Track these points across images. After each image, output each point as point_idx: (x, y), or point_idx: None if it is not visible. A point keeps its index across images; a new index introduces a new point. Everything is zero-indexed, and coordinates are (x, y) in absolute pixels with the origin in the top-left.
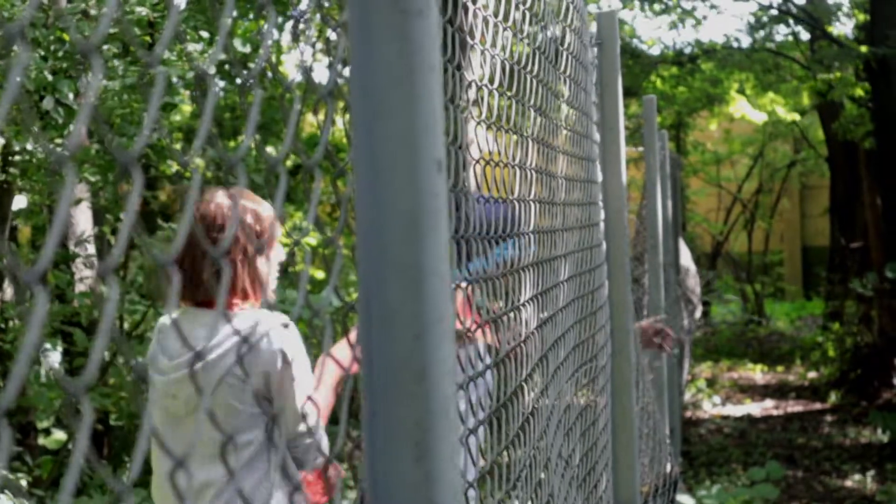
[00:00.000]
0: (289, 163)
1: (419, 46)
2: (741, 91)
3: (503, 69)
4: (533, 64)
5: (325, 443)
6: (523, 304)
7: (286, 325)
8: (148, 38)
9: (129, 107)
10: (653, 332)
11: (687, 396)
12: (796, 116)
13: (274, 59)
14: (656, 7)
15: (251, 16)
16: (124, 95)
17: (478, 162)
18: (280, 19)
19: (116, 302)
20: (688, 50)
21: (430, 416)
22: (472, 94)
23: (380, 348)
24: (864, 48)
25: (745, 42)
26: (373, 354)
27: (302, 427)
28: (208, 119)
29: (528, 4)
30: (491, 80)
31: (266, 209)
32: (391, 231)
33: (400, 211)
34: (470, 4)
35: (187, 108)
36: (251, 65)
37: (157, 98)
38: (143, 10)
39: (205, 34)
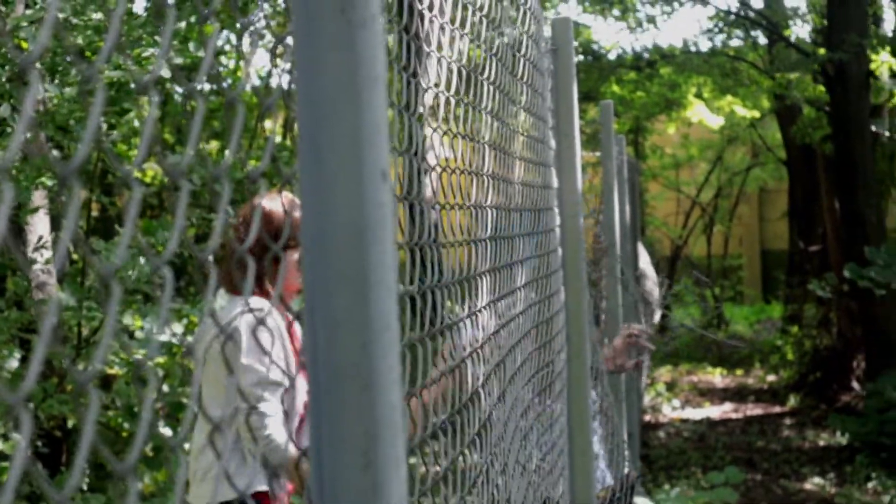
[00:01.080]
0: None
1: (364, 57)
2: (699, 95)
3: (460, 76)
4: (490, 70)
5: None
6: (479, 310)
7: (257, 316)
8: (103, 44)
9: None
10: (625, 347)
11: (646, 400)
12: (756, 114)
13: (234, 64)
14: (615, 12)
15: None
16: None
17: (433, 169)
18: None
19: (59, 310)
20: (646, 55)
21: (376, 425)
22: (428, 100)
23: (326, 357)
24: (821, 52)
25: (704, 46)
26: (319, 363)
27: (255, 419)
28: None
29: (484, 11)
30: (448, 87)
31: (280, 208)
32: (336, 241)
33: (345, 221)
34: (426, 12)
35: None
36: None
37: (98, 109)
38: (98, 16)
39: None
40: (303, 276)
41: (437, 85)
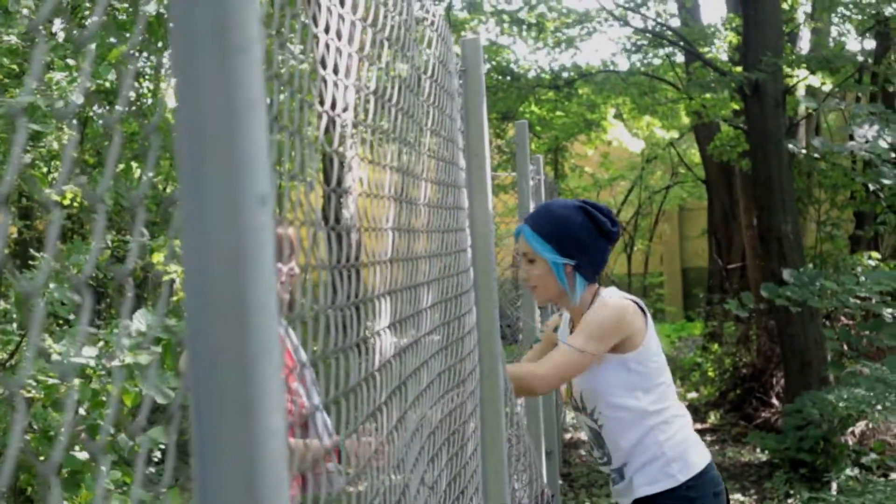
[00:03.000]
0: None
1: (241, 82)
2: (618, 115)
3: (363, 100)
4: (394, 94)
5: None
6: (378, 333)
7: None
8: (16, 67)
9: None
10: None
11: (568, 418)
12: (675, 134)
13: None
14: (533, 32)
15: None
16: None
17: (334, 191)
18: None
19: None
20: (565, 74)
21: (256, 449)
22: (323, 124)
23: (206, 381)
24: (737, 70)
25: (623, 66)
26: (200, 387)
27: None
28: (69, 155)
29: (386, 33)
30: (345, 111)
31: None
32: (215, 266)
33: (223, 246)
34: (322, 35)
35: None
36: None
37: (21, 140)
38: (12, 39)
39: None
40: (184, 300)
41: (333, 107)
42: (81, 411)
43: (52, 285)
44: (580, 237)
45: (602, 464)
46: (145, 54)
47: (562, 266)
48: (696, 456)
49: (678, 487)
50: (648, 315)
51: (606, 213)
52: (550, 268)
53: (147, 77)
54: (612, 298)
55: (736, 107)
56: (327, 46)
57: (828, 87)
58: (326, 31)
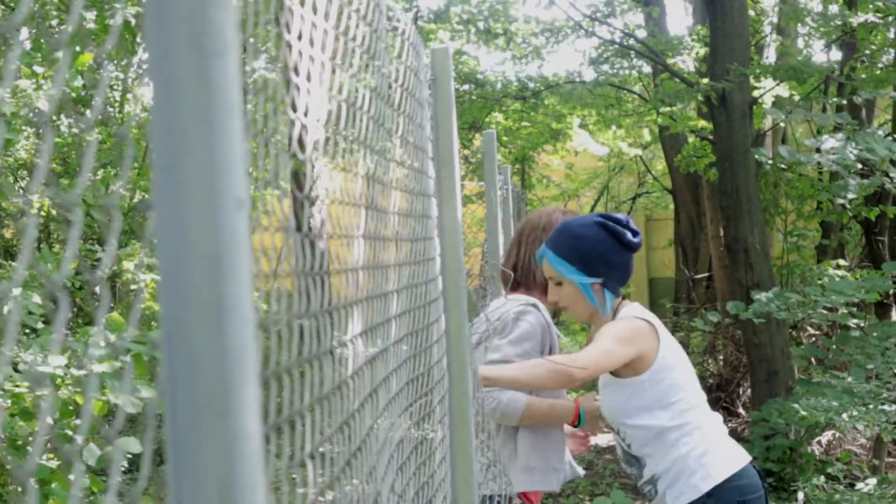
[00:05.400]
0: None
1: (218, 86)
2: (584, 125)
3: (334, 108)
4: (365, 102)
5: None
6: (350, 341)
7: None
8: None
9: None
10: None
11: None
12: (639, 151)
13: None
14: (499, 42)
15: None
16: None
17: (306, 198)
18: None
19: None
20: (531, 85)
21: (233, 454)
22: (295, 131)
23: (183, 386)
24: (704, 81)
25: (588, 77)
26: (177, 392)
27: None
28: (44, 162)
29: (358, 41)
30: (317, 119)
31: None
32: (192, 270)
33: (200, 249)
34: (295, 42)
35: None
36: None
37: None
38: None
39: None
40: (159, 305)
41: (305, 115)
42: (49, 420)
43: (17, 292)
44: (603, 254)
45: (636, 479)
46: (115, 63)
47: (589, 286)
48: (719, 465)
49: (699, 498)
50: (661, 332)
51: (625, 225)
52: (579, 289)
53: (115, 87)
54: (628, 316)
55: (704, 124)
56: (300, 53)
57: (795, 98)
58: (299, 38)
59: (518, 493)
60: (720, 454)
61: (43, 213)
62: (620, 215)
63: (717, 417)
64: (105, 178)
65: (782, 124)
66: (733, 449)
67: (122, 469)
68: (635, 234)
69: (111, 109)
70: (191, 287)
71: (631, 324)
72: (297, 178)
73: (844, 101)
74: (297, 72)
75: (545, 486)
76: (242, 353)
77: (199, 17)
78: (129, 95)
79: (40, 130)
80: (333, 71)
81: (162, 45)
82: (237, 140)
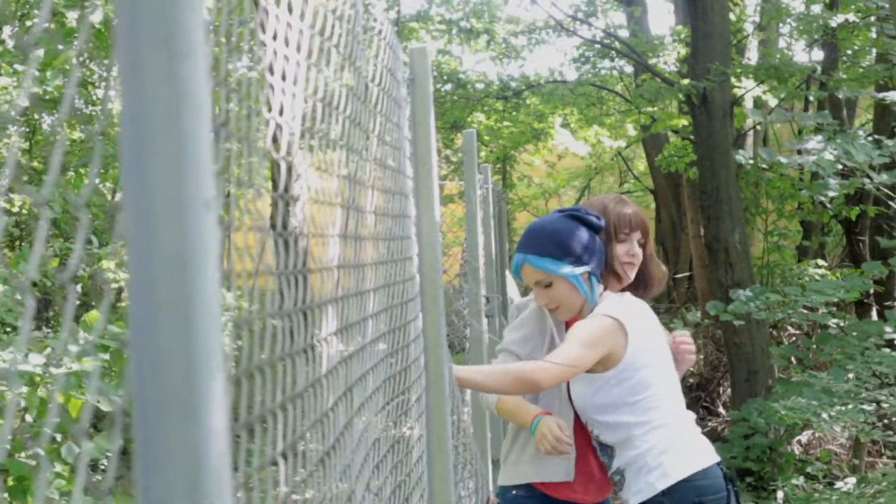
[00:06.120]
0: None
1: (187, 87)
2: (566, 125)
3: (310, 107)
4: (342, 102)
5: None
6: (324, 340)
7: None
8: None
9: None
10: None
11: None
12: (621, 143)
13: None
14: (480, 41)
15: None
16: None
17: (283, 197)
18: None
19: None
20: (513, 84)
21: (200, 451)
22: (270, 131)
23: (151, 385)
24: (685, 81)
25: (570, 76)
26: (145, 390)
27: None
28: (12, 159)
29: (334, 41)
30: (292, 118)
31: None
32: (160, 270)
33: (167, 250)
34: (270, 42)
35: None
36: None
37: None
38: None
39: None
40: (128, 305)
41: (280, 114)
42: (29, 418)
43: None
44: (584, 242)
45: (607, 467)
46: (96, 62)
47: (579, 276)
48: (677, 464)
49: (655, 496)
50: (633, 329)
51: (587, 212)
52: (570, 283)
53: (94, 84)
54: (598, 315)
55: (685, 122)
56: (275, 53)
57: (775, 98)
58: (274, 38)
59: (531, 483)
60: (680, 453)
61: (24, 212)
62: (578, 206)
63: (689, 416)
64: (79, 177)
65: (759, 127)
66: (697, 449)
67: (103, 468)
68: (598, 217)
69: (94, 108)
70: (159, 287)
71: (599, 323)
72: (275, 177)
73: (825, 98)
74: (272, 71)
75: (556, 475)
76: (210, 352)
77: (168, 19)
78: (111, 93)
79: (17, 128)
80: (309, 70)
81: (131, 46)
82: (206, 141)
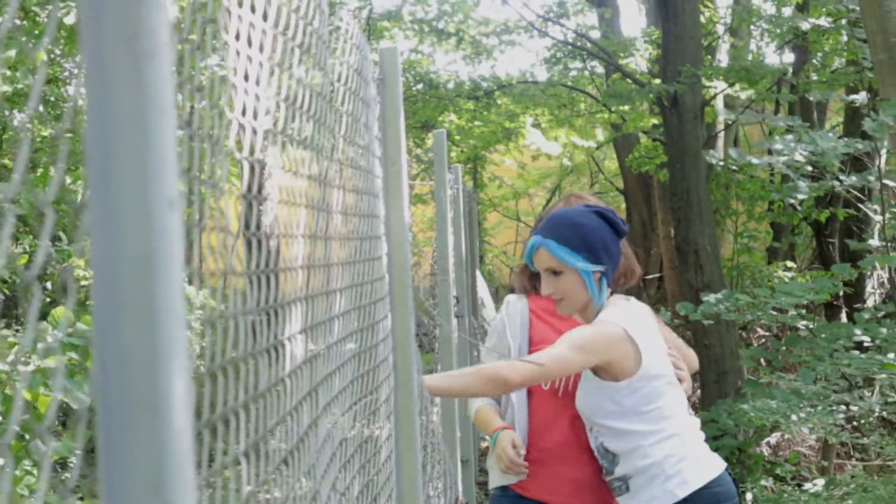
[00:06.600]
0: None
1: (151, 88)
2: (536, 124)
3: (275, 107)
4: (307, 101)
5: None
6: (289, 339)
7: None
8: None
9: None
10: None
11: None
12: (592, 144)
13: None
14: (451, 42)
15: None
16: None
17: (249, 197)
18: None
19: None
20: (484, 84)
21: (164, 451)
22: (233, 131)
23: (114, 383)
24: (656, 82)
25: (542, 77)
26: (108, 389)
27: None
28: None
29: (298, 41)
30: (255, 117)
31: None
32: (124, 269)
33: (132, 249)
34: (233, 42)
35: None
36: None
37: None
38: None
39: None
40: (92, 303)
41: (243, 114)
42: None
43: None
44: (606, 242)
45: (606, 473)
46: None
47: (591, 273)
48: (696, 472)
49: (675, 503)
50: (641, 338)
51: (615, 214)
52: (581, 277)
53: (66, 81)
54: (605, 321)
55: (655, 121)
56: (238, 53)
57: (747, 97)
58: (237, 38)
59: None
60: (697, 461)
61: None
62: (605, 205)
63: (696, 423)
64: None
65: (732, 125)
66: (709, 456)
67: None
68: (623, 223)
69: (65, 105)
70: (123, 285)
71: (603, 330)
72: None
73: (796, 100)
74: (235, 72)
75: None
76: (173, 351)
77: (132, 18)
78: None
79: None
80: (272, 72)
81: (95, 45)
82: (170, 140)
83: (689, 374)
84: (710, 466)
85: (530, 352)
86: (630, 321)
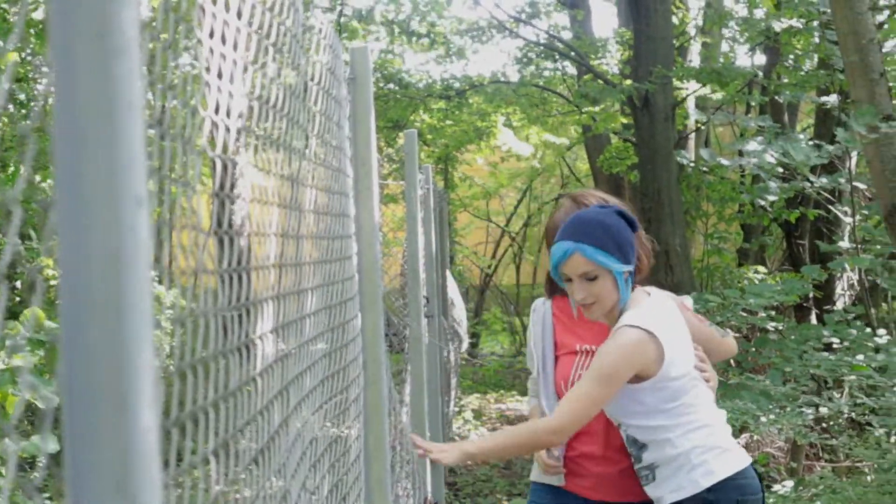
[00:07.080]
0: None
1: (120, 85)
2: (508, 123)
3: (248, 105)
4: (279, 100)
5: None
6: (259, 338)
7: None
8: None
9: None
10: None
11: (454, 427)
12: (566, 140)
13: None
14: (424, 42)
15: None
16: None
17: (216, 195)
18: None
19: None
20: (456, 84)
21: (130, 449)
22: (206, 129)
23: (80, 381)
24: (627, 83)
25: (514, 77)
26: (74, 386)
27: None
28: None
29: (271, 39)
30: (228, 116)
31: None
32: (91, 267)
33: (99, 247)
34: (206, 39)
35: None
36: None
37: None
38: None
39: None
40: (59, 301)
41: (216, 112)
42: None
43: None
44: (631, 240)
45: (635, 460)
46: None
47: (622, 273)
48: (721, 463)
49: (699, 493)
50: (666, 337)
51: (628, 211)
52: (615, 280)
53: (36, 80)
54: (627, 332)
55: (625, 120)
56: (211, 51)
57: (718, 98)
58: (210, 36)
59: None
60: (723, 452)
61: None
62: (615, 205)
63: (722, 415)
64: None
65: (702, 127)
66: (736, 448)
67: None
68: (636, 220)
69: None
70: (90, 283)
71: (627, 346)
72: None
73: (767, 102)
74: (208, 69)
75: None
76: (139, 349)
77: (101, 14)
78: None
79: None
80: (245, 69)
81: (65, 42)
82: (139, 138)
83: (728, 358)
84: (736, 458)
85: (556, 356)
86: (654, 321)
